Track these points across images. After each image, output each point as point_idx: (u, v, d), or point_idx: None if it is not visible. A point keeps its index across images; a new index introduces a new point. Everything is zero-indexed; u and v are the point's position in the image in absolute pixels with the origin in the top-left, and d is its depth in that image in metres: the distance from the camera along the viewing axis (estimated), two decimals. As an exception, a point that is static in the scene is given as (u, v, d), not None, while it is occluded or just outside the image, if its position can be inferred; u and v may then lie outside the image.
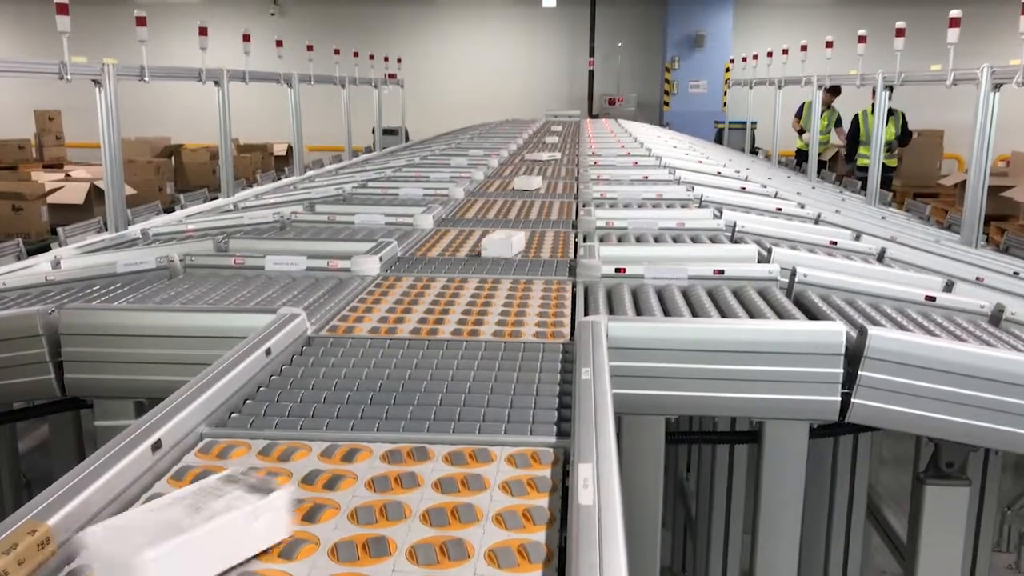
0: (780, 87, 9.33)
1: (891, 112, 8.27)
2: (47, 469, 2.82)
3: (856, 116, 8.96)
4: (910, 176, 9.98)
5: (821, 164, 9.22)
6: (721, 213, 3.28)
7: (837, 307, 2.14)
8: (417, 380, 1.48)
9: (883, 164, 8.13)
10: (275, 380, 1.49)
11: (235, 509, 0.88)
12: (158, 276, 2.41)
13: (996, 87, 4.54)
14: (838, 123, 9.94)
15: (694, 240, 2.92)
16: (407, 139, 11.39)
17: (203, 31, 5.93)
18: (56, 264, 2.83)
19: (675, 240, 2.92)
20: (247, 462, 1.17)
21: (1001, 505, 3.26)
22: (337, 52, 9.11)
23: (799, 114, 10.05)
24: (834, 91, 9.56)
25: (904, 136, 8.98)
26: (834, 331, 1.65)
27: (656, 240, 2.94)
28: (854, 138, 9.00)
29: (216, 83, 6.15)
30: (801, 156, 9.66)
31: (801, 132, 9.97)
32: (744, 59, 10.71)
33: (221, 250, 2.74)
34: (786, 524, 1.74)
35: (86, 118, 5.30)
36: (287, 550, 0.94)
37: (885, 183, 7.97)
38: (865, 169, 7.72)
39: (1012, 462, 3.41)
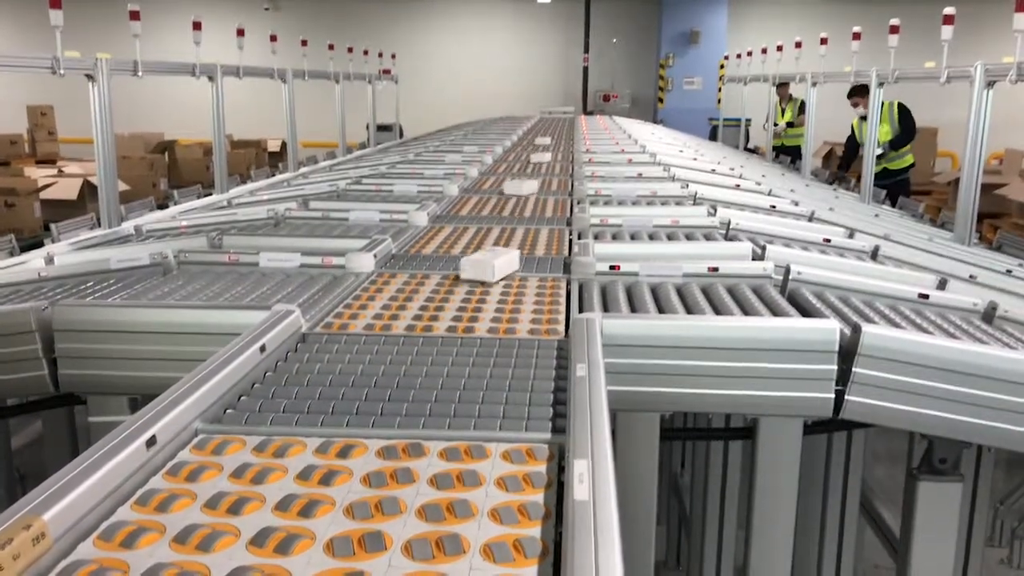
0: (775, 84, 9.33)
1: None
2: (40, 465, 2.81)
3: (852, 125, 8.08)
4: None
5: (795, 153, 9.07)
6: (715, 210, 3.29)
7: (831, 304, 2.15)
8: (412, 376, 1.48)
9: (886, 168, 7.77)
10: (270, 376, 1.49)
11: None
12: (152, 272, 2.40)
13: (989, 85, 4.55)
14: (802, 109, 9.38)
15: (688, 237, 2.93)
16: (401, 135, 11.38)
17: (197, 26, 5.91)
18: (49, 260, 2.82)
19: (670, 237, 2.93)
20: (242, 458, 1.17)
21: (994, 500, 3.27)
22: (331, 47, 9.09)
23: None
24: (784, 85, 9.49)
25: (906, 132, 7.60)
26: (828, 328, 1.66)
27: (651, 237, 2.94)
28: (852, 146, 8.17)
29: (210, 78, 6.14)
30: (778, 151, 9.67)
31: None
32: (739, 56, 10.72)
33: (215, 246, 2.74)
34: (780, 520, 1.74)
35: (79, 113, 5.28)
36: (283, 545, 0.94)
37: (900, 188, 7.31)
38: (885, 175, 7.24)
39: (1004, 458, 3.42)
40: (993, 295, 2.56)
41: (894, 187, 7.27)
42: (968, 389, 1.64)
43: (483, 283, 2.13)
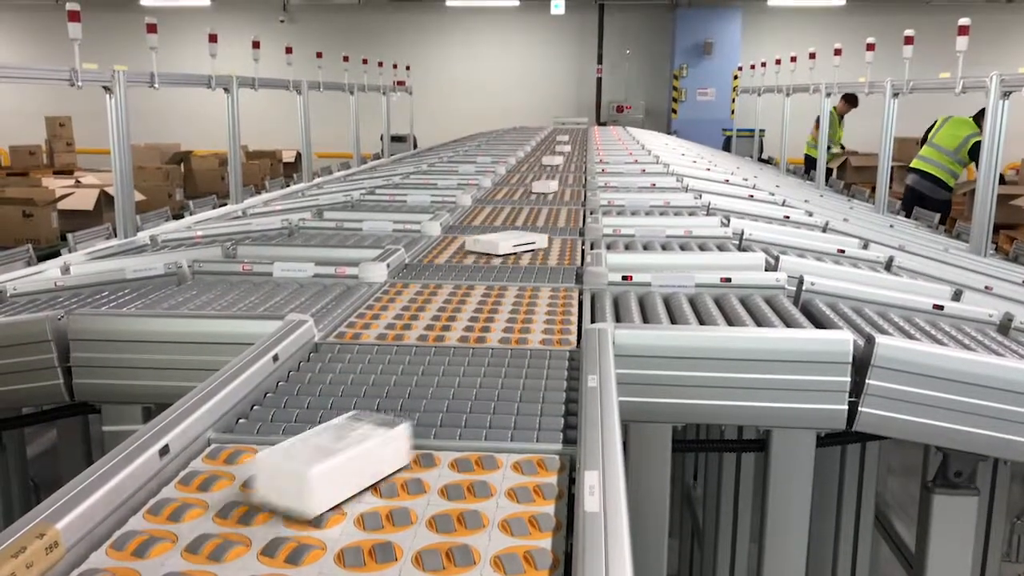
0: (788, 95, 9.33)
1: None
2: (54, 473, 2.83)
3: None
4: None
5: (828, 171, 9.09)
6: (728, 221, 3.28)
7: (844, 315, 2.14)
8: (423, 387, 1.48)
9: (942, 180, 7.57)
10: (282, 386, 1.50)
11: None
12: (167, 282, 2.42)
13: (1005, 95, 4.53)
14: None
15: (701, 248, 2.92)
16: (415, 146, 11.43)
17: (213, 38, 5.97)
18: (65, 270, 2.84)
19: (682, 248, 2.92)
20: (254, 468, 1.17)
21: (1010, 515, 3.23)
22: (346, 59, 9.15)
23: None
24: (850, 100, 9.47)
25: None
26: (841, 340, 1.65)
27: (663, 248, 2.94)
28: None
29: (226, 90, 6.19)
30: (810, 164, 9.62)
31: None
32: (752, 67, 10.71)
33: (229, 256, 2.75)
34: (793, 533, 1.73)
35: (96, 124, 5.33)
36: (293, 555, 0.95)
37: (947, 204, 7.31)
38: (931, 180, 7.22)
39: (1021, 472, 3.39)
40: (1009, 306, 2.54)
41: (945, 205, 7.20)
42: (983, 401, 1.63)
43: (546, 194, 4.05)
